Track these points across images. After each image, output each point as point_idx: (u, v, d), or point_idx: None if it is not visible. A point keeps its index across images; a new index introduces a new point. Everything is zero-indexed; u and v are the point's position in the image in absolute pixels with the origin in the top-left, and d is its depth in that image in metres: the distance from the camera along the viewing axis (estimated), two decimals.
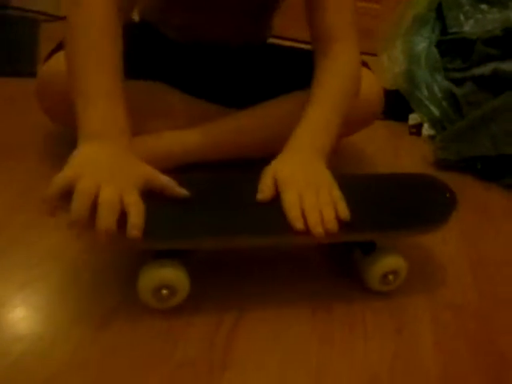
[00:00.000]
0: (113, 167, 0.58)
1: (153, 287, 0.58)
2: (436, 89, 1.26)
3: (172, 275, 0.59)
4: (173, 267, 0.59)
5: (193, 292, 0.61)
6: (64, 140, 0.93)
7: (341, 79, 0.79)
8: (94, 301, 0.61)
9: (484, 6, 1.32)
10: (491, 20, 1.26)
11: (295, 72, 0.99)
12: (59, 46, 0.87)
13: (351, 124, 0.89)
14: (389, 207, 0.68)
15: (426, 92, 1.27)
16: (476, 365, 0.60)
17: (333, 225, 0.60)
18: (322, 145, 0.72)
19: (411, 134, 1.34)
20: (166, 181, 0.61)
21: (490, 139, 1.10)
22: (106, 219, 0.53)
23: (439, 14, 1.37)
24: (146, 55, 0.96)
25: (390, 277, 0.67)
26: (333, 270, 0.74)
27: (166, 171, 0.62)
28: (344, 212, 0.62)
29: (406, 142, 1.31)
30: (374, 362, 0.58)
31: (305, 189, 0.64)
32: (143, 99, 0.88)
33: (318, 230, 0.60)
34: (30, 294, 0.61)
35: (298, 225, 0.60)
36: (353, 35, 0.82)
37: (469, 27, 1.29)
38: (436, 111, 1.25)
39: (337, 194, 0.65)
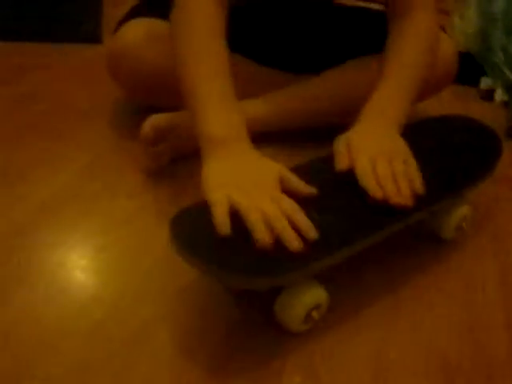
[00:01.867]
0: (255, 177, 0.56)
1: (305, 311, 0.54)
2: None
3: (319, 294, 0.55)
4: (318, 286, 0.55)
5: None
6: (133, 109, 0.96)
7: (418, 50, 0.75)
8: (168, 270, 0.62)
9: None
10: None
11: (365, 35, 0.96)
12: (128, 16, 0.87)
13: (425, 89, 0.86)
14: (446, 170, 0.68)
15: (501, 55, 1.19)
16: None
17: (409, 198, 0.57)
18: (396, 114, 0.69)
19: (482, 98, 1.28)
20: (296, 179, 0.57)
21: None
22: (288, 233, 0.50)
23: None
24: None
25: (464, 224, 0.71)
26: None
27: None
28: (419, 185, 0.59)
29: (477, 107, 1.24)
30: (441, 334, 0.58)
31: (378, 156, 0.61)
32: None
33: (396, 199, 0.56)
34: (107, 258, 0.64)
35: (378, 194, 0.56)
36: (431, 2, 0.79)
37: None
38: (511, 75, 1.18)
39: (413, 164, 0.62)
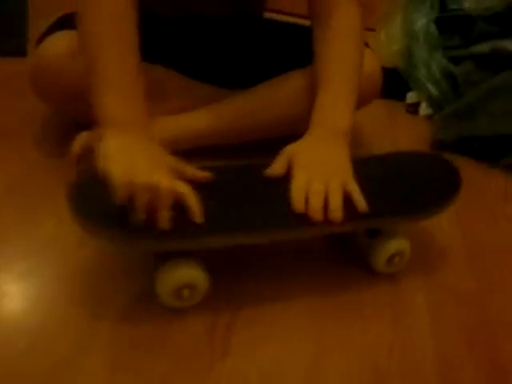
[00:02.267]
0: (153, 158, 0.58)
1: (174, 288, 0.58)
2: (434, 67, 1.24)
3: (193, 274, 0.58)
4: (192, 266, 0.59)
5: None
6: (57, 124, 0.92)
7: (349, 45, 0.76)
8: (93, 290, 0.61)
9: None
10: None
11: (294, 49, 0.98)
12: (52, 28, 0.85)
13: None
14: (393, 192, 0.67)
15: (424, 71, 1.26)
16: (471, 352, 0.61)
17: (338, 214, 0.59)
18: (345, 124, 0.70)
19: (408, 112, 1.33)
20: (188, 167, 0.61)
21: (488, 119, 1.09)
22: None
23: None
24: (143, 37, 0.94)
25: (396, 258, 0.68)
26: (334, 253, 0.74)
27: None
28: (361, 203, 0.61)
29: (403, 121, 1.30)
30: (371, 348, 0.59)
31: (314, 173, 0.63)
32: (151, 84, 0.86)
33: (316, 216, 0.59)
34: (29, 284, 0.61)
35: (298, 206, 0.59)
36: (355, 4, 0.79)
37: (468, 3, 1.25)
38: (434, 90, 1.24)
39: (352, 184, 0.63)
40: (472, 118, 1.11)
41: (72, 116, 0.85)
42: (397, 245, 0.68)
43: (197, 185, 0.59)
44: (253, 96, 0.91)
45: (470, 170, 1.07)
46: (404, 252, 0.69)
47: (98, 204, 0.56)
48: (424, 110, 1.29)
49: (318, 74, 0.74)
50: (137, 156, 0.57)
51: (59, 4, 1.69)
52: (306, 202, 0.60)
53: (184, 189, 0.56)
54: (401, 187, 0.68)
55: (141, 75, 0.63)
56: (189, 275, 0.58)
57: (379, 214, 0.63)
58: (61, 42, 0.81)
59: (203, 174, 0.62)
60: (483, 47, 1.16)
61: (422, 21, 1.30)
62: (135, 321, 0.58)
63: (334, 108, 0.71)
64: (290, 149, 0.67)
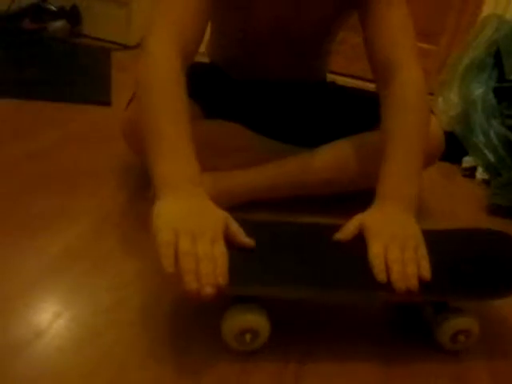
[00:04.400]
0: (200, 215, 0.61)
1: (237, 332, 0.60)
2: (492, 134, 1.28)
3: (255, 320, 0.61)
4: (255, 312, 0.61)
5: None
6: (141, 170, 1.00)
7: (413, 112, 0.77)
8: (170, 332, 0.65)
9: None
10: None
11: (356, 112, 1.03)
12: None
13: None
14: (464, 269, 0.67)
15: (481, 137, 1.29)
16: None
17: (414, 282, 0.60)
18: (409, 193, 0.71)
19: (464, 176, 1.37)
20: (237, 228, 0.62)
21: None
22: (210, 275, 0.55)
23: (497, 59, 1.39)
24: (216, 95, 1.03)
25: (461, 337, 0.67)
26: (400, 326, 0.74)
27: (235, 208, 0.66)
28: (426, 271, 0.62)
29: (458, 185, 1.33)
30: None
31: (391, 241, 0.64)
32: (219, 137, 0.94)
33: (399, 284, 0.60)
34: (115, 318, 0.66)
35: (381, 276, 0.61)
36: (416, 61, 0.81)
37: None
38: (491, 156, 1.27)
39: (423, 251, 0.64)
40: None
41: None
42: (462, 323, 0.67)
43: (268, 238, 0.64)
44: (317, 155, 0.96)
45: None
46: (470, 331, 0.67)
47: None
48: (481, 174, 1.32)
49: (384, 142, 0.76)
50: (184, 219, 0.59)
51: (137, 60, 1.85)
52: (386, 269, 0.62)
53: (219, 249, 0.57)
54: (469, 265, 0.67)
55: (192, 135, 0.67)
56: (251, 320, 0.60)
57: (444, 290, 0.64)
58: None
59: (248, 242, 0.62)
60: None
61: (481, 89, 1.35)
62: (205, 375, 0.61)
63: (401, 178, 0.72)
64: (361, 217, 0.69)
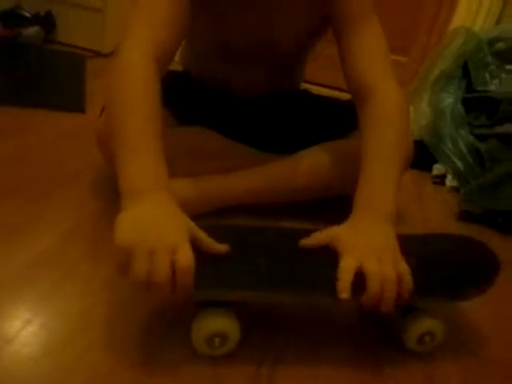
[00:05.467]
0: (162, 224, 0.59)
1: (206, 336, 0.61)
2: (461, 143, 1.32)
3: (223, 323, 0.61)
4: (224, 316, 0.62)
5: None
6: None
7: (393, 128, 0.77)
8: (141, 337, 0.65)
9: (509, 67, 1.39)
10: None
11: (332, 120, 1.05)
12: None
13: None
14: (432, 271, 0.67)
15: (450, 145, 1.33)
16: None
17: (389, 307, 0.60)
18: (387, 204, 0.70)
19: (434, 183, 1.40)
20: (205, 237, 0.61)
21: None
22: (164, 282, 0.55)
23: (465, 71, 1.43)
24: (190, 104, 1.03)
25: (427, 338, 0.68)
26: (368, 327, 0.75)
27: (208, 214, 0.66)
28: (408, 290, 0.61)
29: (429, 191, 1.36)
30: None
31: (366, 255, 0.62)
32: (195, 143, 0.94)
33: (368, 304, 0.60)
34: (88, 320, 0.66)
35: (343, 295, 0.59)
36: (393, 80, 0.82)
37: (494, 86, 1.35)
38: (460, 164, 1.31)
39: (403, 265, 0.62)
40: (496, 193, 1.17)
41: None
42: (428, 324, 0.68)
43: (245, 242, 0.65)
44: (292, 162, 0.98)
45: (495, 242, 1.12)
46: (435, 332, 0.69)
47: None
48: (450, 181, 1.36)
49: (363, 154, 0.75)
50: (148, 222, 0.58)
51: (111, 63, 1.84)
52: (356, 283, 0.60)
53: (183, 257, 0.56)
54: (440, 268, 0.68)
55: (162, 140, 0.66)
56: (220, 324, 0.61)
57: (419, 293, 0.64)
58: None
59: (219, 248, 0.61)
60: (508, 128, 1.24)
61: (450, 99, 1.39)
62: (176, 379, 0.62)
63: (377, 189, 0.71)
64: (334, 230, 0.67)
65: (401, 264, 0.62)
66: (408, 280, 0.61)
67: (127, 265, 0.55)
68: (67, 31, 2.01)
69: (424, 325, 0.68)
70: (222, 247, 0.62)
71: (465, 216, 1.19)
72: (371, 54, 0.83)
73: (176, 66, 1.11)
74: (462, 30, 1.51)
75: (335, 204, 0.97)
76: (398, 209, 0.71)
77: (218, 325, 0.62)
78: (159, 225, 0.58)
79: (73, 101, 1.38)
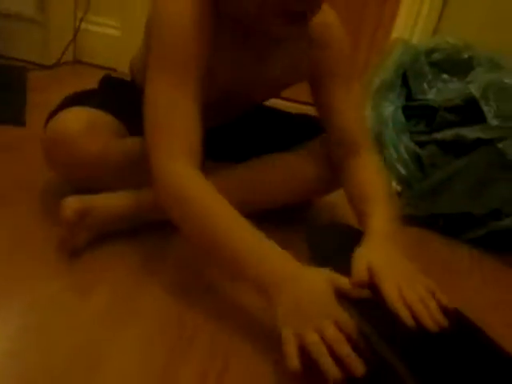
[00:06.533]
0: (317, 302, 0.62)
1: None
2: (402, 149, 1.36)
3: None
4: None
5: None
6: (55, 188, 0.98)
7: (380, 176, 0.90)
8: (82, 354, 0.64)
9: (445, 76, 1.46)
10: (452, 89, 1.39)
11: (282, 132, 1.08)
12: (63, 105, 0.92)
13: (334, 182, 0.98)
14: None
15: (393, 152, 1.38)
16: None
17: (441, 316, 0.65)
18: (393, 230, 0.79)
19: None
20: (345, 283, 0.65)
21: (452, 198, 1.20)
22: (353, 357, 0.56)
23: (405, 81, 1.49)
24: (138, 113, 1.02)
25: None
26: None
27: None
28: (445, 300, 0.67)
29: None
30: None
31: (402, 281, 0.67)
32: (141, 153, 0.93)
33: (429, 322, 0.63)
34: (29, 339, 0.64)
35: (410, 322, 0.63)
36: (367, 133, 0.96)
37: (432, 95, 1.41)
38: (403, 170, 1.35)
39: (432, 284, 0.69)
40: (437, 196, 1.22)
41: (78, 186, 0.88)
42: None
43: None
44: (235, 173, 0.97)
45: (437, 244, 1.17)
46: None
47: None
48: (393, 187, 1.40)
49: (364, 196, 0.86)
50: (303, 308, 0.60)
51: (53, 80, 1.81)
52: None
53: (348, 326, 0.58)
54: None
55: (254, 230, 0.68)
56: None
57: None
58: (78, 118, 0.85)
59: (361, 294, 0.66)
60: (446, 134, 1.29)
61: (391, 108, 1.44)
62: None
63: (387, 223, 0.80)
64: (366, 255, 0.72)
65: (430, 283, 0.69)
66: (442, 295, 0.68)
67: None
68: (9, 43, 1.95)
69: None
70: (364, 292, 0.66)
71: (408, 219, 1.24)
72: (354, 110, 0.93)
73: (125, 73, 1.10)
74: (399, 41, 1.57)
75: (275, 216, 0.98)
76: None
77: None
78: (313, 299, 0.62)
79: (13, 113, 1.33)
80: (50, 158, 0.88)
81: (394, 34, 1.99)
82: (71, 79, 1.91)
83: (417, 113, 1.42)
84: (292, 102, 1.97)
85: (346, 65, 0.94)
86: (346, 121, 0.92)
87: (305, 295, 0.62)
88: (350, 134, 0.92)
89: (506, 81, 1.31)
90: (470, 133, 1.25)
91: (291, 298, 0.61)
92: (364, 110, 0.97)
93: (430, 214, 1.22)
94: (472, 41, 1.52)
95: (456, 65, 1.47)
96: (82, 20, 2.05)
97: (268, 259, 0.65)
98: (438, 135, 1.31)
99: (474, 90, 1.29)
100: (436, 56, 1.48)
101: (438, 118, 1.34)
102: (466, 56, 1.46)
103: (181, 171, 0.71)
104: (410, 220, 1.23)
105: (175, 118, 0.74)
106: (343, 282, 0.65)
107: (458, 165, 1.23)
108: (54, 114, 0.91)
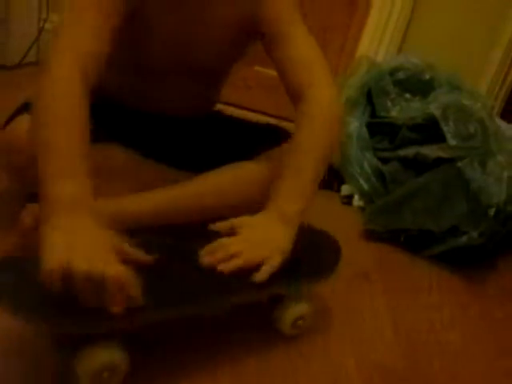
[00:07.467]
0: (96, 240, 0.61)
1: (94, 371, 0.59)
2: (366, 165, 1.39)
3: (113, 357, 0.60)
4: (111, 348, 0.60)
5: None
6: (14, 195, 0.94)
7: (318, 127, 0.81)
8: None
9: (408, 95, 1.50)
10: (414, 108, 1.43)
11: (240, 141, 1.07)
12: (19, 110, 0.89)
13: None
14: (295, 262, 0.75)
15: (356, 167, 1.40)
16: None
17: (225, 266, 0.69)
18: (296, 211, 0.77)
19: (343, 203, 1.46)
20: (131, 249, 0.64)
21: (412, 215, 1.23)
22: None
23: (369, 98, 1.52)
24: (103, 121, 1.00)
25: (300, 322, 0.79)
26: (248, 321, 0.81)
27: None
28: (261, 276, 0.69)
29: (338, 211, 1.42)
30: None
31: (243, 239, 0.73)
32: (100, 161, 0.91)
33: (221, 267, 0.68)
34: None
35: (206, 259, 0.70)
36: (327, 79, 0.86)
37: (395, 112, 1.44)
38: (365, 185, 1.38)
39: (274, 260, 0.71)
40: (397, 212, 1.25)
41: (28, 191, 0.86)
42: (299, 310, 0.78)
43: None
44: (197, 182, 0.97)
45: (397, 259, 1.19)
46: (306, 315, 0.79)
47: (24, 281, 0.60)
48: (357, 201, 1.43)
49: (287, 156, 0.81)
50: (78, 239, 0.59)
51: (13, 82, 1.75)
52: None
53: (127, 278, 0.57)
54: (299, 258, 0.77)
55: (88, 157, 0.67)
56: (108, 357, 0.60)
57: (281, 282, 0.72)
58: (21, 126, 0.84)
59: (146, 258, 0.65)
60: (408, 152, 1.33)
61: (355, 124, 1.46)
62: None
63: (287, 194, 0.78)
64: (241, 218, 0.76)
65: (274, 258, 0.71)
66: (266, 269, 0.70)
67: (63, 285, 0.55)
68: None
69: (297, 310, 0.77)
70: (148, 257, 0.65)
71: (369, 234, 1.26)
72: (303, 51, 0.87)
73: None
74: (364, 59, 1.61)
75: None
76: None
77: (107, 359, 0.60)
78: (91, 241, 0.60)
79: None
80: (5, 165, 0.87)
81: (359, 53, 2.03)
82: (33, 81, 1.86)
83: (381, 130, 1.45)
84: (256, 112, 1.98)
85: (291, 10, 0.90)
86: (289, 64, 0.87)
87: (81, 230, 0.61)
88: (294, 75, 0.86)
89: (465, 102, 1.36)
90: (431, 152, 1.29)
91: (69, 226, 0.60)
92: (319, 51, 0.89)
93: (391, 230, 1.25)
94: (433, 60, 1.57)
95: (418, 85, 1.51)
96: (45, 20, 2.00)
97: (61, 184, 0.63)
98: (400, 152, 1.35)
99: (435, 110, 1.34)
100: (400, 75, 1.52)
101: (401, 135, 1.38)
102: (427, 77, 1.51)
103: (63, 77, 0.71)
104: (372, 235, 1.25)
105: (79, 31, 0.75)
106: (128, 247, 0.65)
107: (418, 182, 1.26)
108: (8, 121, 0.89)
